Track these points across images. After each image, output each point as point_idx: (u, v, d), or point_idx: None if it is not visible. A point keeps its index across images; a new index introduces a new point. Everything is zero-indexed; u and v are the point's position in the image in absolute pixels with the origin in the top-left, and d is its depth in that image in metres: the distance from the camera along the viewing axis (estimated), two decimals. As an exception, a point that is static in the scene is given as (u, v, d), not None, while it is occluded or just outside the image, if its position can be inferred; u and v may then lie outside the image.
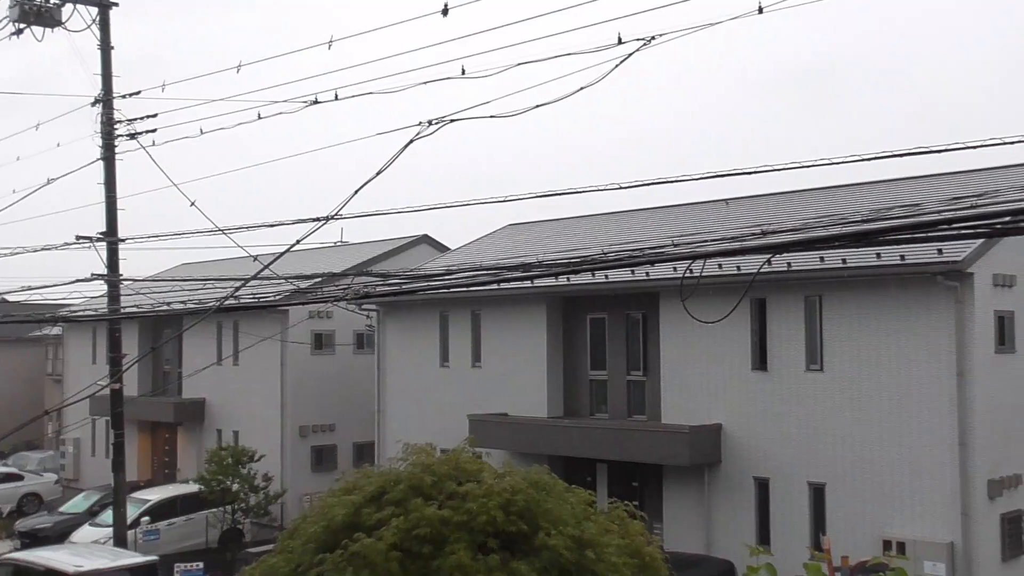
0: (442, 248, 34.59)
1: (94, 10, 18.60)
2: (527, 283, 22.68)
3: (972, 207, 9.70)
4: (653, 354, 23.40)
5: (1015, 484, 19.04)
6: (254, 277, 14.25)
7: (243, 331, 32.30)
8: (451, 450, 11.99)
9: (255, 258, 15.79)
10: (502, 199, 11.62)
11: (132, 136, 17.94)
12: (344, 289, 17.49)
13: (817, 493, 20.13)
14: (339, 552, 10.28)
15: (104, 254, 18.64)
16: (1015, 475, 19.08)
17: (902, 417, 18.95)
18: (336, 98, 12.27)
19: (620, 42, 9.17)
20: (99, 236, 18.58)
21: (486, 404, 25.73)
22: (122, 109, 18.41)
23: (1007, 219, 8.09)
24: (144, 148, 17.58)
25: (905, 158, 8.56)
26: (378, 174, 10.80)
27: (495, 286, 22.61)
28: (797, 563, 7.88)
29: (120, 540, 19.79)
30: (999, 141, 7.82)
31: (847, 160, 8.91)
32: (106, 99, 18.33)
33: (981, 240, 17.52)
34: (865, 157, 8.77)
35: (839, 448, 19.75)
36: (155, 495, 28.73)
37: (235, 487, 27.46)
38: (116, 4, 18.67)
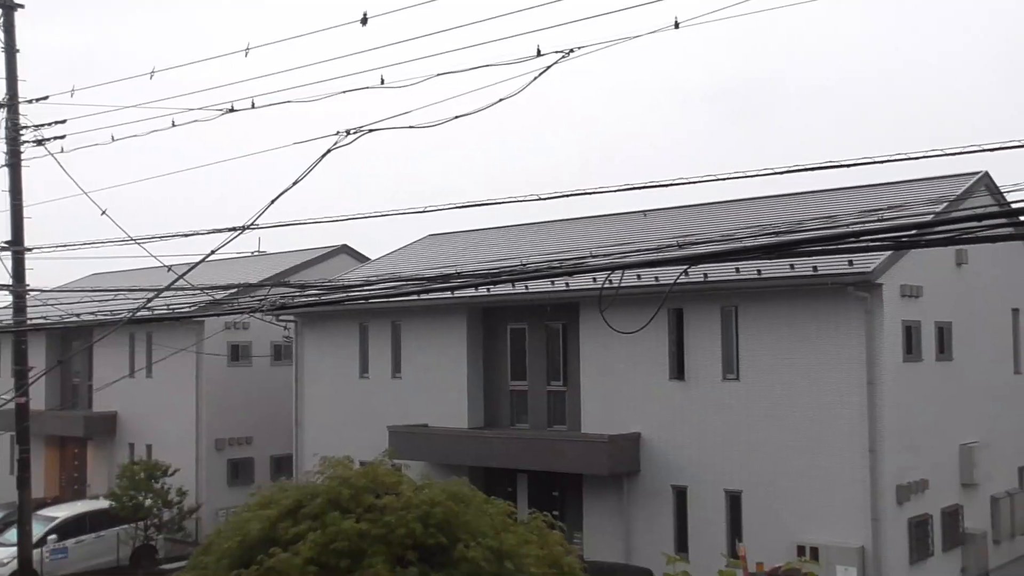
0: (361, 258, 34.35)
1: (-1, 11, 18.06)
2: (447, 294, 22.66)
3: (880, 220, 9.98)
4: (573, 364, 23.53)
5: (922, 489, 19.59)
6: (167, 288, 13.91)
7: (156, 343, 31.63)
8: (371, 462, 11.91)
9: (169, 268, 15.44)
10: (422, 209, 11.53)
11: (39, 143, 17.43)
12: (261, 300, 17.22)
13: (733, 500, 20.44)
14: (254, 568, 10.12)
15: (9, 264, 18.08)
16: (922, 480, 19.62)
17: (815, 425, 19.36)
18: (253, 106, 12.06)
19: (539, 54, 9.20)
20: (4, 245, 18.03)
21: (406, 415, 25.58)
22: (28, 115, 17.89)
23: (913, 232, 8.36)
24: (52, 155, 17.08)
25: (818, 172, 8.76)
26: (295, 183, 10.67)
27: (415, 297, 22.52)
28: (714, 570, 7.98)
29: (25, 559, 19.13)
30: (904, 156, 8.05)
31: (761, 173, 9.07)
32: (11, 104, 17.79)
33: (889, 252, 18.03)
34: (777, 170, 8.94)
35: (755, 456, 20.09)
36: (63, 512, 27.87)
37: (148, 502, 26.84)
38: (21, 6, 18.17)
